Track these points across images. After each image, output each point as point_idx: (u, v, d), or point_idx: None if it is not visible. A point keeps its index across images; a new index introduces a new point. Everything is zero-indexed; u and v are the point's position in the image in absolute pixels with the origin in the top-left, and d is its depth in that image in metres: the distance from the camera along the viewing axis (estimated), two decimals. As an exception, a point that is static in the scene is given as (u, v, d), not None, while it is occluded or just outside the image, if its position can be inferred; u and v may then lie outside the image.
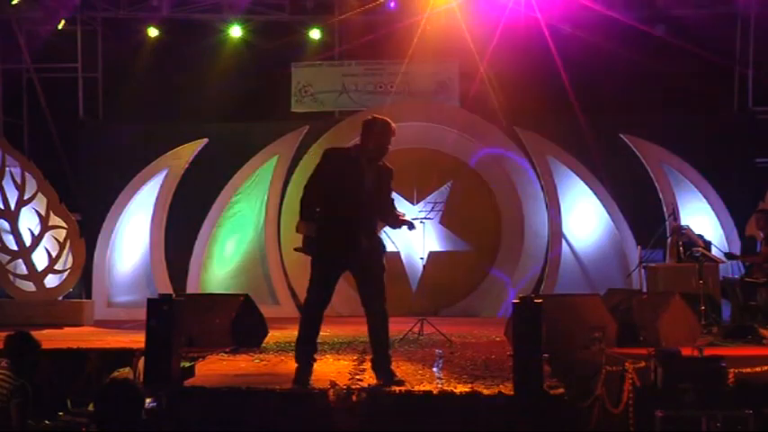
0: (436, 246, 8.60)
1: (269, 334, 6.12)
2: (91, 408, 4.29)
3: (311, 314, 4.28)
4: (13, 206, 7.94)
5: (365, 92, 9.09)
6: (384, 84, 9.11)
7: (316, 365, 4.35)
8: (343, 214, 4.17)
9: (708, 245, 6.99)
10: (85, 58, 9.21)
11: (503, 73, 8.44)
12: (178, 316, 4.22)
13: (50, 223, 7.97)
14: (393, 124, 4.33)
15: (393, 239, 6.75)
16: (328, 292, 4.26)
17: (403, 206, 7.94)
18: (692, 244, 6.75)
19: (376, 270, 4.23)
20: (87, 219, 8.67)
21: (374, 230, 4.28)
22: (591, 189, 8.65)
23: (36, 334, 6.53)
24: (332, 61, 9.29)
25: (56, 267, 7.97)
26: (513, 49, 8.19)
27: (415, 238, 7.25)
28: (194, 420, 4.02)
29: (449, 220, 8.63)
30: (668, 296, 5.86)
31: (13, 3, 8.68)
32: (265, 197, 8.89)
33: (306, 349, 4.28)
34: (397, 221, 4.36)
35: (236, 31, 9.24)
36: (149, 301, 4.24)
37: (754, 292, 6.47)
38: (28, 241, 7.95)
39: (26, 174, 8.00)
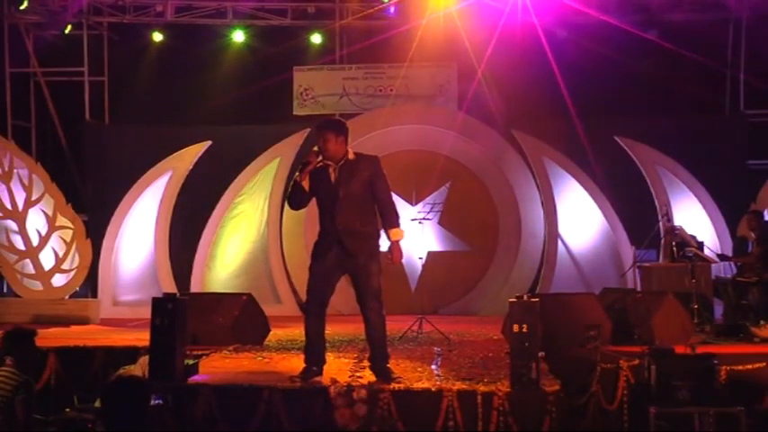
0: (435, 246, 8.67)
1: (271, 332, 6.15)
2: (97, 404, 4.35)
3: (309, 314, 4.28)
4: (20, 207, 8.00)
5: (365, 95, 9.15)
6: (384, 87, 9.17)
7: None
8: (330, 222, 4.18)
9: (700, 245, 7.05)
10: (92, 63, 9.23)
11: (500, 76, 8.50)
12: (182, 315, 4.22)
13: (57, 224, 8.01)
14: (336, 119, 4.34)
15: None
16: (324, 292, 4.26)
17: (402, 207, 8.03)
18: (685, 244, 6.79)
19: (371, 270, 4.21)
20: (93, 219, 8.71)
21: (368, 231, 4.22)
22: (586, 190, 8.67)
23: (43, 332, 6.61)
24: (333, 65, 9.32)
25: (63, 267, 7.99)
26: (511, 52, 8.23)
27: (415, 239, 7.36)
28: (198, 417, 4.05)
29: (447, 220, 8.66)
30: (662, 295, 5.85)
31: (21, 8, 8.79)
32: (268, 198, 8.95)
33: (312, 356, 4.31)
34: (389, 226, 4.22)
35: (238, 36, 9.30)
36: (154, 300, 4.27)
37: (745, 291, 6.48)
38: (35, 241, 7.98)
39: (33, 175, 8.04)
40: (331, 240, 4.21)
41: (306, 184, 4.20)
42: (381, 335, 4.32)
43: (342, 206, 4.17)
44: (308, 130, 8.93)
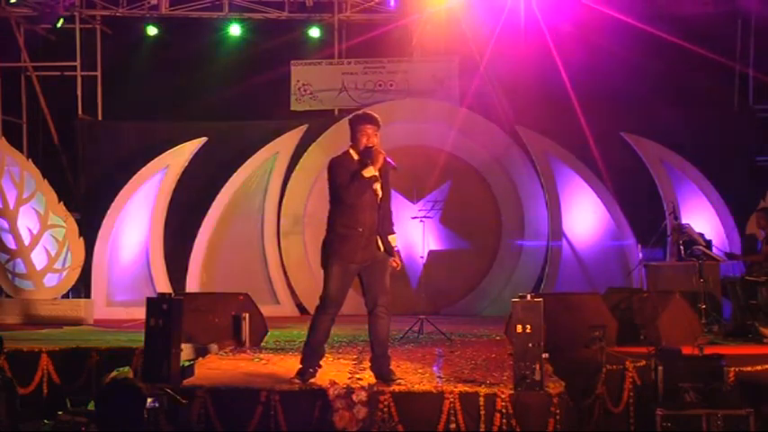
0: (436, 245, 8.59)
1: (268, 333, 6.11)
2: (91, 407, 4.27)
3: (325, 317, 4.26)
4: (12, 205, 7.91)
5: (365, 90, 9.06)
6: (384, 82, 9.08)
7: (315, 365, 4.37)
8: (362, 221, 4.17)
9: (708, 243, 6.98)
10: (84, 57, 9.17)
11: (503, 71, 8.41)
12: (177, 315, 4.21)
13: (49, 222, 7.96)
14: (370, 113, 4.30)
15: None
16: (343, 293, 4.26)
17: (403, 205, 7.93)
18: (693, 242, 6.75)
19: (387, 265, 4.27)
20: (86, 218, 8.64)
21: (388, 232, 4.31)
22: (591, 187, 8.62)
23: (35, 333, 6.58)
24: (331, 60, 9.26)
25: (55, 266, 7.96)
26: (514, 47, 8.17)
27: (416, 237, 7.25)
28: (194, 420, 4.02)
29: (449, 218, 8.61)
30: (669, 295, 5.87)
31: (12, 1, 8.66)
32: (265, 196, 8.87)
33: (314, 357, 4.29)
34: (386, 232, 4.31)
35: (235, 30, 9.23)
36: (149, 300, 4.24)
37: (754, 290, 6.45)
38: (27, 240, 7.93)
39: (25, 173, 7.98)
40: (363, 239, 4.19)
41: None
42: (386, 334, 4.32)
43: (381, 205, 4.24)
44: (306, 125, 8.85)
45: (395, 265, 4.34)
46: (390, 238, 4.33)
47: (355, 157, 4.22)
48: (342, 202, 4.20)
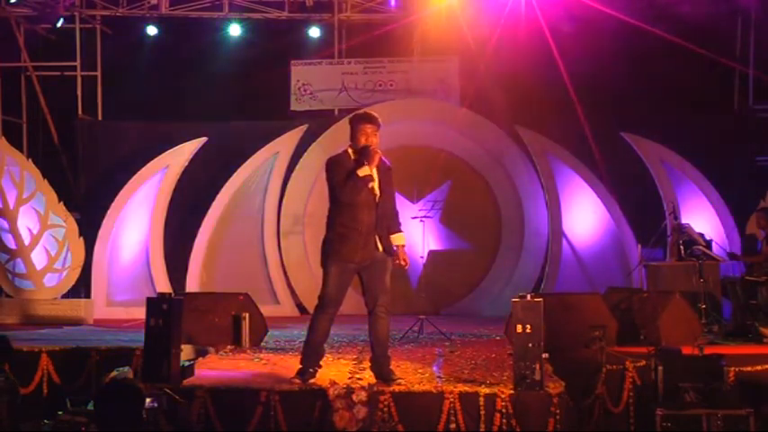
0: (436, 245, 8.59)
1: (268, 333, 6.11)
2: (91, 407, 4.28)
3: (324, 316, 4.26)
4: (12, 205, 7.91)
5: (365, 90, 9.05)
6: (384, 82, 9.08)
7: (315, 365, 4.37)
8: (360, 220, 4.17)
9: (708, 243, 6.98)
10: (85, 57, 9.17)
11: (503, 71, 8.40)
12: (177, 315, 4.22)
13: (49, 222, 7.95)
14: (370, 112, 4.30)
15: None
16: (342, 293, 4.26)
17: (403, 204, 7.92)
18: (693, 242, 6.76)
19: (388, 265, 4.26)
20: (86, 218, 8.63)
21: (388, 232, 4.30)
22: (591, 187, 8.61)
23: (35, 333, 6.58)
24: (331, 59, 9.26)
25: (55, 266, 7.95)
26: (514, 46, 8.15)
27: (416, 237, 7.25)
28: (194, 420, 4.03)
29: (449, 218, 8.62)
30: (669, 295, 5.87)
31: (12, 0, 8.66)
32: (265, 196, 8.87)
33: (314, 357, 4.30)
34: (392, 231, 4.30)
35: (235, 30, 9.23)
36: (149, 300, 4.24)
37: (754, 290, 6.44)
38: (27, 240, 7.92)
39: (25, 173, 7.98)
40: (362, 238, 4.18)
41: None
42: (386, 334, 4.33)
43: (380, 205, 4.22)
44: (306, 125, 8.84)
45: (403, 263, 4.31)
46: (398, 236, 4.32)
47: (353, 156, 4.23)
48: (339, 202, 4.21)
